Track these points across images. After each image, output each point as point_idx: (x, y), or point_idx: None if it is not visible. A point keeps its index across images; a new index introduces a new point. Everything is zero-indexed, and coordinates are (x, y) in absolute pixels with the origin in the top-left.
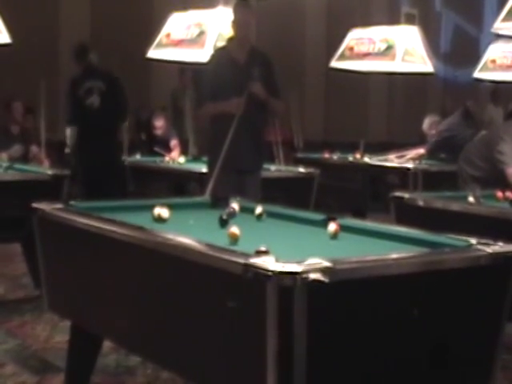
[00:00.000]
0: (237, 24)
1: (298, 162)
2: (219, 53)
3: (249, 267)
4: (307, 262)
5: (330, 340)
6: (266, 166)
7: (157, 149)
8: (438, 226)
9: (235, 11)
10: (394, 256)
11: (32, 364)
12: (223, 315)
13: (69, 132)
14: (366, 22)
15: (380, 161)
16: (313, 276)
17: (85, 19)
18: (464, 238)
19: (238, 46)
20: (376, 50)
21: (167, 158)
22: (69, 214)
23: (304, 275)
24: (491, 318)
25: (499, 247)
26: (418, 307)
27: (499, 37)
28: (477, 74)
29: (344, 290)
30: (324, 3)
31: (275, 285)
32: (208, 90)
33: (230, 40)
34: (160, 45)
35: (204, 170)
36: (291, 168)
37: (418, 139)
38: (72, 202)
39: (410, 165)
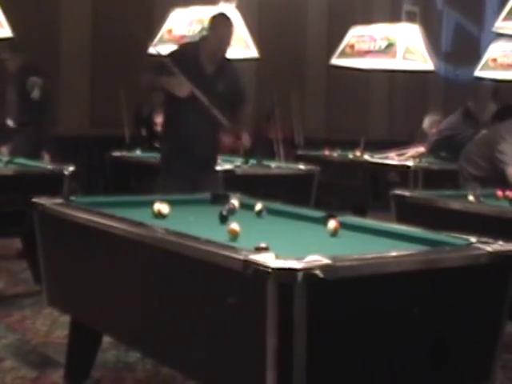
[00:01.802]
0: (216, 38)
1: (299, 159)
2: (188, 51)
3: (249, 264)
4: (307, 259)
5: (330, 337)
6: (266, 162)
7: (157, 145)
8: (438, 225)
9: (217, 25)
10: (394, 254)
11: (32, 359)
12: (223, 312)
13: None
14: (367, 20)
15: (380, 159)
16: (313, 273)
17: (86, 15)
18: (464, 236)
19: (209, 56)
20: (377, 48)
21: None
22: (69, 209)
23: (304, 272)
24: (491, 317)
25: (499, 246)
26: (418, 305)
27: (500, 36)
28: (478, 73)
29: (344, 287)
30: (325, 0)
31: (275, 281)
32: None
33: (203, 41)
34: (162, 41)
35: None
36: (291, 165)
37: (419, 137)
38: (72, 197)
39: (410, 163)
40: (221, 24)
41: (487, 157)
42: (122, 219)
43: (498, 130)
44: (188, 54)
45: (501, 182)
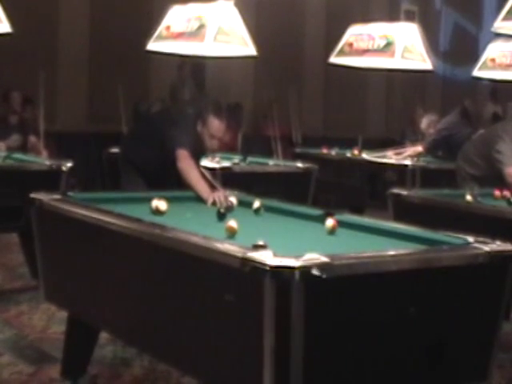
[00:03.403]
0: (208, 136)
1: (297, 157)
2: (196, 128)
3: (246, 261)
4: (305, 257)
5: (327, 335)
6: (264, 160)
7: None
8: (435, 224)
9: (212, 124)
10: (392, 253)
11: (28, 354)
12: (220, 309)
13: None
14: (366, 18)
15: (378, 157)
16: (310, 271)
17: (84, 11)
18: (462, 235)
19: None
20: (375, 47)
21: None
22: (67, 205)
23: (301, 270)
24: (488, 317)
25: (496, 246)
26: (415, 304)
27: (498, 36)
28: (476, 73)
29: (341, 285)
30: None
31: (272, 279)
32: (189, 140)
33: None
34: (160, 37)
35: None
36: (289, 163)
37: (409, 136)
38: (70, 193)
39: (408, 162)
40: (216, 125)
41: (485, 156)
42: (119, 215)
43: (495, 130)
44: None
45: (498, 181)
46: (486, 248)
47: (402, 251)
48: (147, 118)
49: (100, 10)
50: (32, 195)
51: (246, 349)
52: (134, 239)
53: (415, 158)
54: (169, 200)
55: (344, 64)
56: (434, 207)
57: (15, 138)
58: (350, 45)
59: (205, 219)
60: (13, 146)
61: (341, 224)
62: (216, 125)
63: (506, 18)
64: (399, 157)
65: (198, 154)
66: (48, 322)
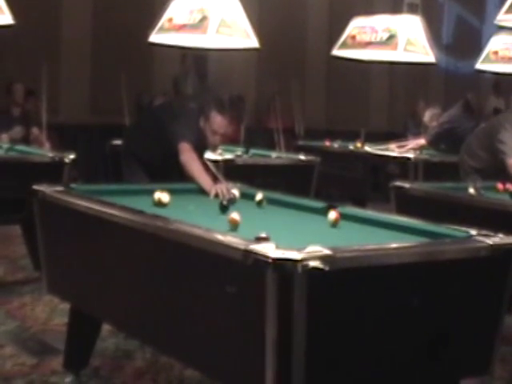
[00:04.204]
0: (210, 132)
1: (299, 149)
2: (199, 123)
3: (249, 253)
4: (307, 250)
5: (329, 328)
6: (266, 152)
7: None
8: (438, 217)
9: (214, 119)
10: (394, 245)
11: (31, 346)
12: (222, 301)
13: None
14: (369, 11)
15: (381, 150)
16: (313, 264)
17: (87, 2)
18: (464, 229)
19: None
20: (378, 39)
21: None
22: (69, 197)
23: (304, 263)
24: (490, 310)
25: (499, 239)
26: (418, 297)
27: (501, 28)
28: (478, 66)
29: (343, 278)
30: None
31: (275, 271)
32: (191, 133)
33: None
34: (162, 29)
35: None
36: (292, 155)
37: (411, 128)
38: (73, 185)
39: (410, 155)
40: (224, 122)
41: (487, 148)
42: (122, 207)
43: (497, 120)
44: (199, 125)
45: (501, 173)
46: (489, 241)
47: (404, 244)
48: (150, 111)
49: (102, 2)
50: (34, 187)
51: (247, 341)
52: (137, 231)
53: (418, 151)
54: (171, 192)
55: (347, 56)
56: (436, 200)
57: (18, 130)
58: (353, 37)
59: (207, 211)
60: (15, 138)
61: (343, 217)
62: (219, 121)
63: (509, 11)
64: (402, 150)
65: (200, 148)
66: (50, 313)
